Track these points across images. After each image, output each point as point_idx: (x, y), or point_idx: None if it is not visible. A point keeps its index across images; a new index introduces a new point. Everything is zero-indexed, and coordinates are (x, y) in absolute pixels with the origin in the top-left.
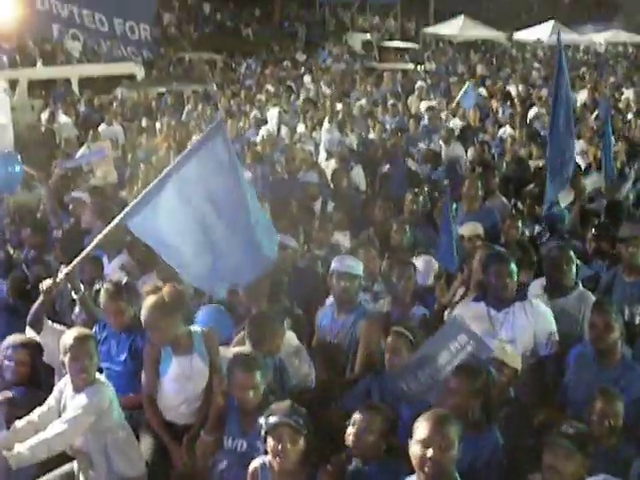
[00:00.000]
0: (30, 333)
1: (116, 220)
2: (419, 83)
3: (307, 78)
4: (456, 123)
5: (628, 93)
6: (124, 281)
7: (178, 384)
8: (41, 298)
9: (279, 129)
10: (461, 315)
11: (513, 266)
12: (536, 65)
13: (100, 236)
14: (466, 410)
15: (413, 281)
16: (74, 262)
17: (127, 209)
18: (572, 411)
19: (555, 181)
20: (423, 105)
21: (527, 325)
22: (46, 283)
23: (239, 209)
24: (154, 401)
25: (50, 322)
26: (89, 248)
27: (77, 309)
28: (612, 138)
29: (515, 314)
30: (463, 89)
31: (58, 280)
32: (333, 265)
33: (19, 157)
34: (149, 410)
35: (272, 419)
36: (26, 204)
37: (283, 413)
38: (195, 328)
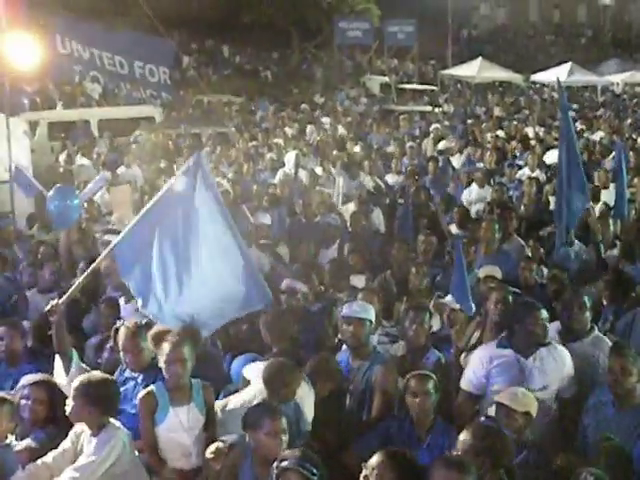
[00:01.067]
0: (59, 365)
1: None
2: (434, 125)
3: (325, 119)
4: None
5: None
6: (143, 321)
7: (174, 434)
8: (53, 326)
9: (297, 171)
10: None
11: (545, 313)
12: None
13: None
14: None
15: (427, 325)
16: (67, 293)
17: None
18: (591, 455)
19: (562, 223)
20: (440, 146)
21: (557, 370)
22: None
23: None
24: (155, 449)
25: (81, 362)
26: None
27: (105, 353)
28: (626, 178)
29: (544, 360)
30: None
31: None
32: (342, 310)
33: (77, 191)
34: (152, 459)
35: (282, 464)
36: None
37: (294, 459)
38: (194, 379)
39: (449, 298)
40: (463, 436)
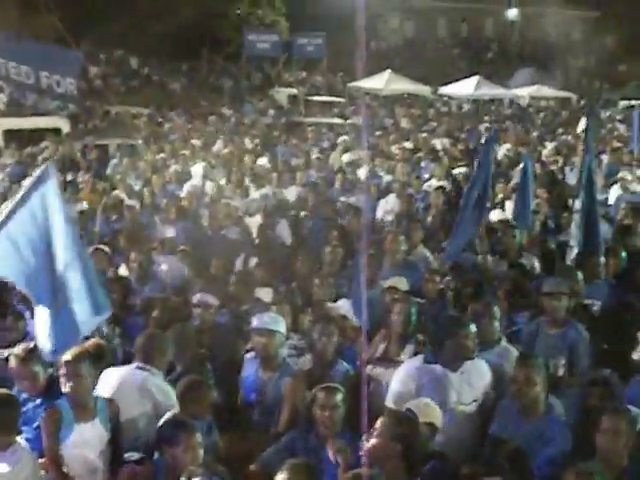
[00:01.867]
0: None
1: None
2: (341, 137)
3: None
4: (387, 178)
5: (550, 146)
6: (33, 344)
7: (80, 450)
8: None
9: (204, 183)
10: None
11: (474, 327)
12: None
13: None
14: (386, 454)
15: (335, 337)
16: None
17: None
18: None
19: (458, 235)
20: (345, 158)
21: (482, 383)
22: None
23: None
24: (61, 467)
25: None
26: None
27: None
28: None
29: (470, 373)
30: None
31: None
32: (253, 322)
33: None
34: (58, 477)
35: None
36: None
37: (202, 474)
38: (98, 394)
39: (340, 303)
40: (381, 420)
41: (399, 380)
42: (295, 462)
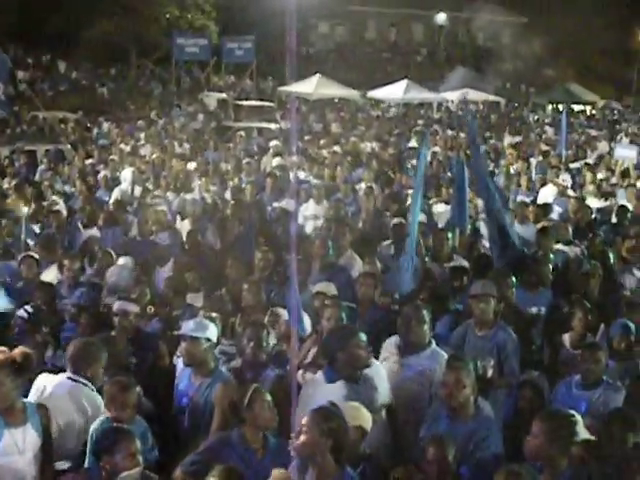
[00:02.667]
0: None
1: None
2: (273, 142)
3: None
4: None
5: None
6: None
7: (8, 458)
8: None
9: (133, 189)
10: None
11: (364, 336)
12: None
13: None
14: (315, 451)
15: (264, 342)
16: None
17: None
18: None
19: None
20: (274, 162)
21: (384, 385)
22: None
23: None
24: None
25: None
26: None
27: None
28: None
29: (373, 380)
30: None
31: None
32: (182, 329)
33: None
34: None
35: None
36: None
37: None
38: (28, 400)
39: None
40: (307, 419)
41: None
42: (225, 466)
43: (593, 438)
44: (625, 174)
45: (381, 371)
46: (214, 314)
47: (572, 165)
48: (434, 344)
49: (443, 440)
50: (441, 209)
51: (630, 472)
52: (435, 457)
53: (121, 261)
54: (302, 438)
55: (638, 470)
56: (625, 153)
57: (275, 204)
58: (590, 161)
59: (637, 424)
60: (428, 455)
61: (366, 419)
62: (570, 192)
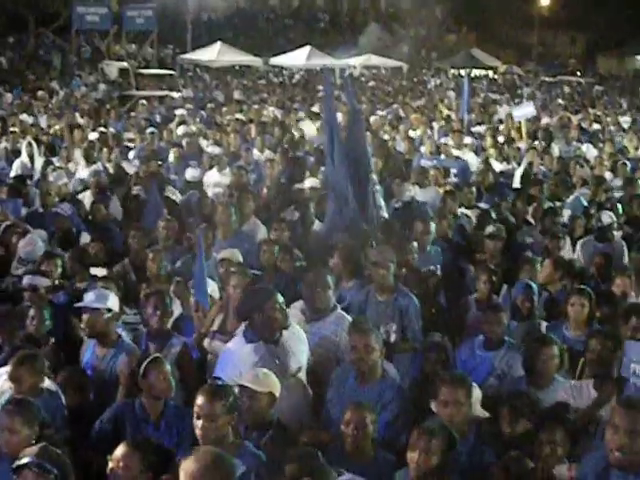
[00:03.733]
0: None
1: None
2: (179, 110)
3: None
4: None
5: (382, 114)
6: None
7: None
8: None
9: (33, 161)
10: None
11: (281, 297)
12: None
13: None
14: (222, 432)
15: (169, 310)
16: None
17: None
18: (335, 429)
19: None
20: (180, 131)
21: (303, 349)
22: None
23: None
24: None
25: None
26: None
27: None
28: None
29: (290, 342)
30: None
31: None
32: (83, 300)
33: None
34: None
35: (18, 462)
36: None
37: (31, 455)
38: None
39: None
40: (200, 399)
41: (231, 362)
42: (133, 438)
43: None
44: (532, 135)
45: (300, 334)
46: (112, 285)
47: (474, 129)
48: (339, 309)
49: (361, 405)
50: None
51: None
52: (354, 422)
53: (33, 233)
54: (203, 423)
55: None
56: (522, 112)
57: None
58: (491, 125)
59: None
60: (346, 419)
61: (275, 385)
62: (471, 156)
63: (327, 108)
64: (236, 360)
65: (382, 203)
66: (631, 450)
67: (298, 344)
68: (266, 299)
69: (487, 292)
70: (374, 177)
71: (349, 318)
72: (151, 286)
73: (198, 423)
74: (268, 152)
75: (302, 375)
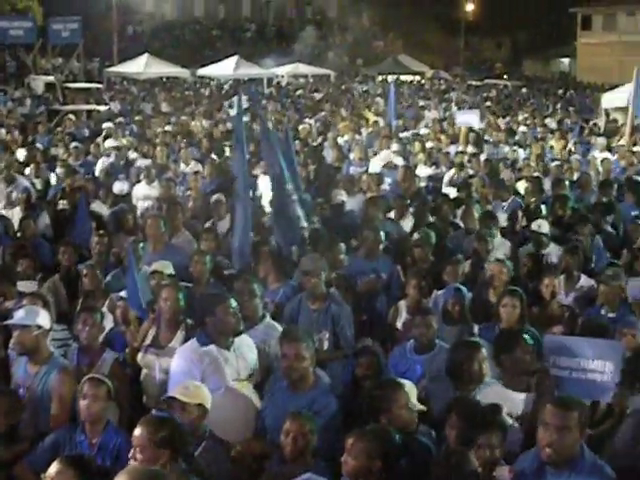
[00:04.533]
0: None
1: None
2: (106, 124)
3: None
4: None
5: (310, 122)
6: None
7: None
8: None
9: None
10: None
11: (234, 302)
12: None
13: None
14: (158, 462)
15: (99, 326)
16: None
17: None
18: (270, 437)
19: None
20: (108, 144)
21: (253, 358)
22: None
23: None
24: None
25: None
26: None
27: None
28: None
29: (242, 349)
30: None
31: None
32: (12, 318)
33: None
34: None
35: None
36: None
37: None
38: None
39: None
40: (138, 431)
41: (181, 368)
42: (67, 456)
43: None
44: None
45: (250, 342)
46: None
47: (402, 135)
48: (268, 317)
49: (300, 414)
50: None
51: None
52: (293, 431)
53: None
54: (138, 456)
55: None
56: (466, 119)
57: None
58: (420, 131)
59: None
60: (285, 429)
61: (206, 397)
62: (399, 161)
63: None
64: (190, 364)
65: (301, 213)
66: (561, 446)
67: (249, 350)
68: (219, 303)
69: (417, 296)
70: (290, 187)
71: (278, 327)
72: (86, 301)
73: (135, 453)
74: (193, 163)
75: (252, 381)
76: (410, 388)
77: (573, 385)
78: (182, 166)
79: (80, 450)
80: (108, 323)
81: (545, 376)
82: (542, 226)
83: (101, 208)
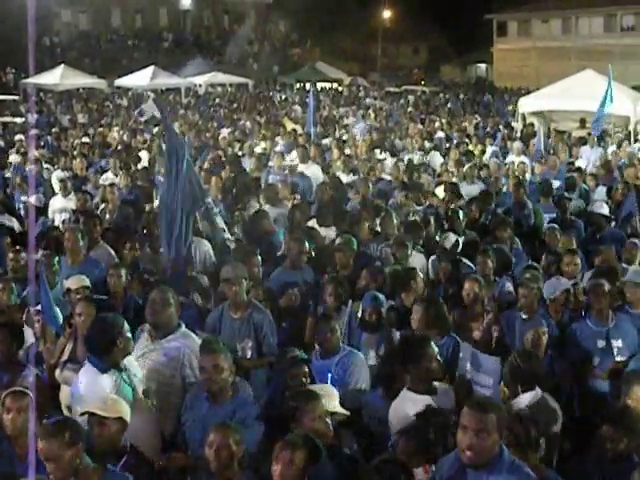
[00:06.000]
0: None
1: None
2: (17, 136)
3: None
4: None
5: (225, 132)
6: None
7: None
8: None
9: None
10: None
11: (126, 325)
12: None
13: None
14: (72, 466)
15: (19, 342)
16: None
17: None
18: (192, 450)
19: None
20: (12, 159)
21: (139, 374)
22: None
23: None
24: None
25: None
26: None
27: None
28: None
29: (131, 368)
30: None
31: None
32: None
33: None
34: None
35: None
36: None
37: None
38: None
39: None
40: (40, 443)
41: (90, 389)
42: None
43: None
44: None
45: (133, 360)
46: None
47: (324, 141)
48: (183, 327)
49: (224, 426)
50: None
51: None
52: (216, 443)
53: None
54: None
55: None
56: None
57: (24, 199)
58: (341, 137)
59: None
60: (209, 441)
61: (125, 411)
62: (317, 168)
63: (167, 131)
64: (90, 390)
65: (223, 225)
66: (480, 449)
67: (137, 369)
68: (113, 327)
69: (334, 303)
70: (209, 201)
71: (194, 336)
72: (2, 317)
73: (47, 465)
74: (110, 175)
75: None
76: (330, 395)
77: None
78: (111, 177)
79: (10, 463)
80: (29, 338)
81: (463, 381)
82: (451, 239)
83: (11, 222)
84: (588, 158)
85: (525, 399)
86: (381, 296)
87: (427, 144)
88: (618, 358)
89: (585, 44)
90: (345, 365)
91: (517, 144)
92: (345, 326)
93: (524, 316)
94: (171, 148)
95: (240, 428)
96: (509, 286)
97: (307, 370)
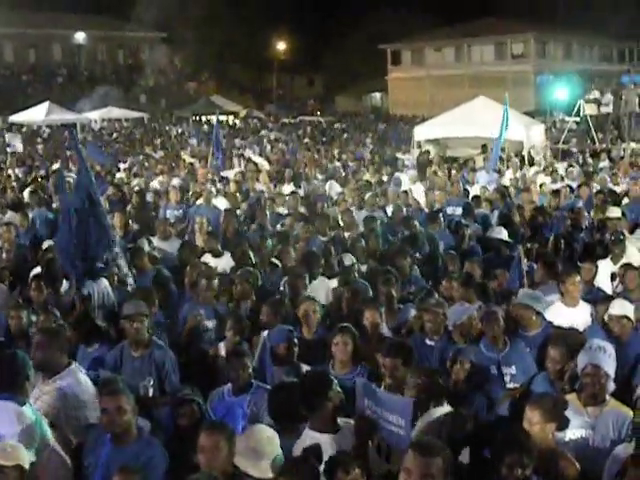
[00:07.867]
0: None
1: None
2: None
3: None
4: None
5: (125, 166)
6: None
7: None
8: None
9: None
10: None
11: (22, 355)
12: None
13: None
14: None
15: None
16: None
17: None
18: None
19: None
20: None
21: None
22: None
23: None
24: None
25: None
26: None
27: None
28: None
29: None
30: None
31: None
32: None
33: None
34: None
35: None
36: None
37: None
38: None
39: None
40: None
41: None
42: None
43: None
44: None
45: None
46: None
47: (224, 174)
48: (73, 365)
49: (127, 468)
50: None
51: None
52: None
53: None
54: None
55: None
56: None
57: None
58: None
59: None
60: None
61: (24, 458)
62: (222, 200)
63: (79, 162)
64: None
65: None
66: None
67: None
68: (24, 363)
69: (235, 338)
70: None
71: (83, 374)
72: None
73: None
74: (10, 214)
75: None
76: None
77: (382, 430)
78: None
79: None
80: None
81: (363, 420)
82: (348, 260)
83: None
84: (485, 182)
85: (435, 413)
86: (291, 329)
87: (320, 176)
88: (511, 385)
89: (477, 71)
90: (259, 403)
91: (411, 172)
92: (257, 360)
93: (429, 342)
94: (80, 183)
95: (144, 470)
96: (413, 312)
97: (197, 409)
